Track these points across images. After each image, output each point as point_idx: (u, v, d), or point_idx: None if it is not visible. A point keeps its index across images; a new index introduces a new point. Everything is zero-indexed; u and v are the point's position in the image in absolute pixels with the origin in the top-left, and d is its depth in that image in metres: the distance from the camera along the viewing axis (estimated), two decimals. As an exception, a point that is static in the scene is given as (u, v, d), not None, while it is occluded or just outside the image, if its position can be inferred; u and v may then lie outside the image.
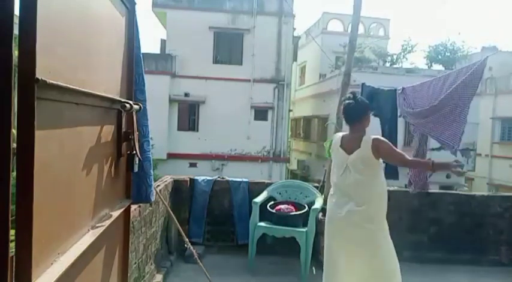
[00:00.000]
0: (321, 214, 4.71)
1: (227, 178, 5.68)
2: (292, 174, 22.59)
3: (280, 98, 18.05)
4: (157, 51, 18.82)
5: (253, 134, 17.69)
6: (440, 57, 20.57)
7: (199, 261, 4.13)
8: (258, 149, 17.92)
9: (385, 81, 12.43)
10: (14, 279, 1.14)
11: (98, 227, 1.74)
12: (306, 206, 4.96)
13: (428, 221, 5.45)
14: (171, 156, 16.93)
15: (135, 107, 2.14)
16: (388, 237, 3.21)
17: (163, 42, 18.59)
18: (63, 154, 1.41)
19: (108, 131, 1.91)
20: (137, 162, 2.20)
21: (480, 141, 19.48)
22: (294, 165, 23.64)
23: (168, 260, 4.76)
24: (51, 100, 1.28)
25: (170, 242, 4.99)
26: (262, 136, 17.81)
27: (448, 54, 20.53)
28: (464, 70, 4.18)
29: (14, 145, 1.11)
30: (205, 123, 17.63)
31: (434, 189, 5.85)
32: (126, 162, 2.17)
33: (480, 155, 20.73)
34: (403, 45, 21.66)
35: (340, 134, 3.38)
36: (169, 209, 4.50)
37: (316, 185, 5.58)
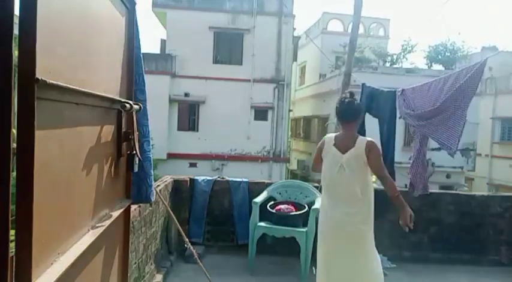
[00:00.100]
0: (321, 214, 4.71)
1: (227, 178, 5.68)
2: (292, 174, 22.59)
3: (280, 98, 18.05)
4: (157, 51, 18.82)
5: (253, 134, 17.69)
6: (440, 57, 20.55)
7: (199, 261, 4.13)
8: (258, 149, 17.92)
9: (385, 81, 12.45)
10: (14, 279, 1.14)
11: (98, 227, 1.74)
12: (306, 206, 4.96)
13: (428, 221, 5.45)
14: (171, 156, 16.93)
15: (135, 107, 2.14)
16: (373, 238, 3.27)
17: (163, 42, 18.58)
18: (63, 154, 1.41)
19: (108, 131, 1.91)
20: (137, 162, 2.19)
21: (480, 141, 19.48)
22: (294, 165, 23.64)
23: (168, 260, 4.76)
24: (51, 100, 1.28)
25: (170, 242, 4.99)
26: (262, 136, 17.81)
27: (448, 54, 20.51)
28: (464, 72, 4.18)
29: (14, 145, 1.11)
30: (205, 123, 17.63)
31: (434, 189, 5.85)
32: (126, 162, 2.17)
33: (480, 155, 20.73)
34: (403, 45, 21.65)
35: (332, 134, 3.42)
36: (169, 209, 4.50)
37: (316, 185, 5.58)
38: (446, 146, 4.21)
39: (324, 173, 3.33)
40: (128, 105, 1.98)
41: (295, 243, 4.56)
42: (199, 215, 5.40)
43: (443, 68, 19.53)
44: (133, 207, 3.11)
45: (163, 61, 17.30)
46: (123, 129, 2.09)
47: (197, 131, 17.80)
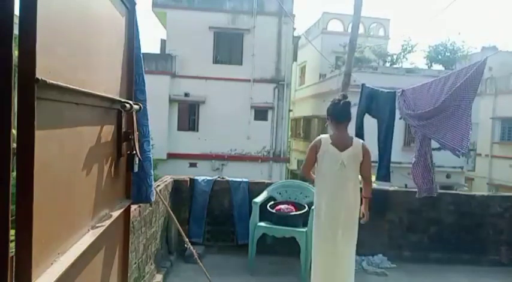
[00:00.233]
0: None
1: (227, 178, 5.68)
2: (292, 174, 22.58)
3: (280, 98, 18.05)
4: (157, 51, 18.82)
5: (253, 134, 17.69)
6: (440, 57, 20.57)
7: (199, 261, 4.13)
8: (258, 149, 17.92)
9: (385, 81, 12.47)
10: (14, 279, 1.14)
11: (98, 227, 1.74)
12: (306, 206, 4.96)
13: (428, 221, 5.45)
14: (171, 156, 16.93)
15: (135, 107, 2.14)
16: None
17: (163, 42, 18.59)
18: (63, 154, 1.41)
19: (108, 131, 1.91)
20: (137, 162, 2.19)
21: (480, 141, 19.49)
22: (294, 165, 23.64)
23: (168, 260, 4.76)
24: (51, 100, 1.28)
25: (170, 242, 5.00)
26: (262, 136, 17.82)
27: (448, 54, 20.53)
28: (464, 71, 4.17)
29: (14, 145, 1.11)
30: (205, 123, 17.63)
31: (434, 189, 5.84)
32: (126, 162, 2.17)
33: (480, 155, 20.74)
34: (403, 45, 21.67)
35: (325, 135, 3.64)
36: (169, 209, 4.50)
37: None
38: (451, 147, 4.19)
39: (323, 170, 3.53)
40: (127, 105, 1.98)
41: (295, 243, 4.56)
42: (199, 215, 5.40)
43: (443, 68, 19.55)
44: (133, 207, 3.11)
45: (163, 61, 17.30)
46: (123, 129, 2.09)
47: (197, 131, 17.81)
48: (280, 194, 5.32)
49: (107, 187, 1.91)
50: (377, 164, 4.85)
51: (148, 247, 3.99)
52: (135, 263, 3.49)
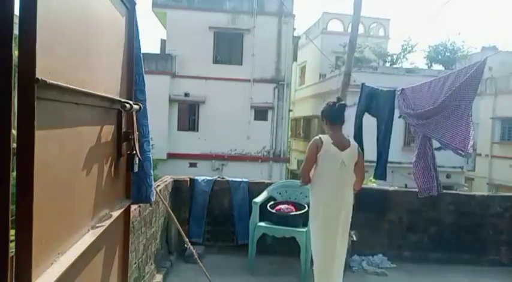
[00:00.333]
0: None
1: (227, 178, 5.68)
2: (292, 174, 22.57)
3: (280, 98, 18.05)
4: (157, 51, 18.82)
5: (253, 134, 17.69)
6: (440, 57, 20.59)
7: (199, 261, 4.13)
8: (258, 149, 17.92)
9: (385, 81, 12.43)
10: (14, 279, 1.14)
11: (98, 227, 1.74)
12: (306, 206, 4.95)
13: (428, 221, 5.45)
14: (171, 156, 16.93)
15: (135, 107, 2.14)
16: None
17: (163, 42, 18.59)
18: (63, 154, 1.41)
19: (108, 131, 1.91)
20: (137, 162, 2.19)
21: (480, 141, 19.48)
22: (294, 165, 23.63)
23: (168, 260, 4.76)
24: (51, 100, 1.28)
25: (170, 242, 4.99)
26: (262, 136, 17.81)
27: (448, 54, 20.55)
28: (464, 71, 4.16)
29: (14, 145, 1.11)
30: (205, 123, 17.63)
31: (434, 189, 5.84)
32: (126, 162, 2.17)
33: (480, 155, 20.75)
34: (403, 45, 21.69)
35: (325, 135, 3.71)
36: (169, 209, 4.50)
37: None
38: (453, 147, 4.19)
39: (322, 170, 3.57)
40: (128, 105, 1.98)
41: (295, 243, 4.56)
42: (199, 215, 5.40)
43: (443, 68, 19.57)
44: (133, 207, 3.11)
45: (163, 61, 17.30)
46: (123, 129, 2.09)
47: (197, 131, 17.81)
48: (280, 194, 5.32)
49: (107, 187, 1.91)
50: (375, 163, 4.86)
51: (148, 247, 3.99)
52: (135, 263, 3.49)
